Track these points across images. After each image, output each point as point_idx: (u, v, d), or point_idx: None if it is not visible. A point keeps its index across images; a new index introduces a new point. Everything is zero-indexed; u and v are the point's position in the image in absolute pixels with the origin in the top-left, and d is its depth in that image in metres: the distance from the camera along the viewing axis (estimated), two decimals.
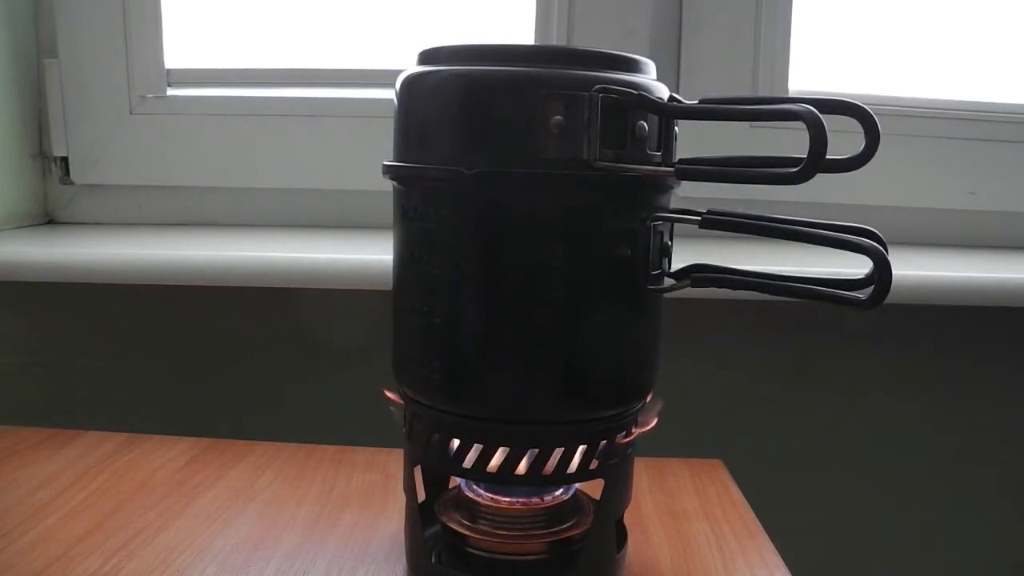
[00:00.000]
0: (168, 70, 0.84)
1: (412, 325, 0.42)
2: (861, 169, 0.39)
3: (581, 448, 0.42)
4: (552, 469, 0.41)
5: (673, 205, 0.42)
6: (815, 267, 0.66)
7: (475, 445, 0.41)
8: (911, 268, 0.70)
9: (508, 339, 0.40)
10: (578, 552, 0.44)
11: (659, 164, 0.40)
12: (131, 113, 0.83)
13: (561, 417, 0.41)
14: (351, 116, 0.82)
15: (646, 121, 0.39)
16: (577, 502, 0.47)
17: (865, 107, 0.37)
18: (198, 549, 0.48)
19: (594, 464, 0.42)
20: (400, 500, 0.46)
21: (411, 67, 0.41)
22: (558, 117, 0.37)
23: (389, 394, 0.45)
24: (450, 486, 0.49)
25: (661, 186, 0.41)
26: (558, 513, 0.46)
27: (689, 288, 0.41)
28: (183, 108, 0.84)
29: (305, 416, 0.80)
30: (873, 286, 0.36)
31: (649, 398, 0.45)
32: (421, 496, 0.47)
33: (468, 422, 0.41)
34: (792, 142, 0.36)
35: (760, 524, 0.55)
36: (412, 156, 0.41)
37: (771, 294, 0.39)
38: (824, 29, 0.85)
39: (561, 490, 0.46)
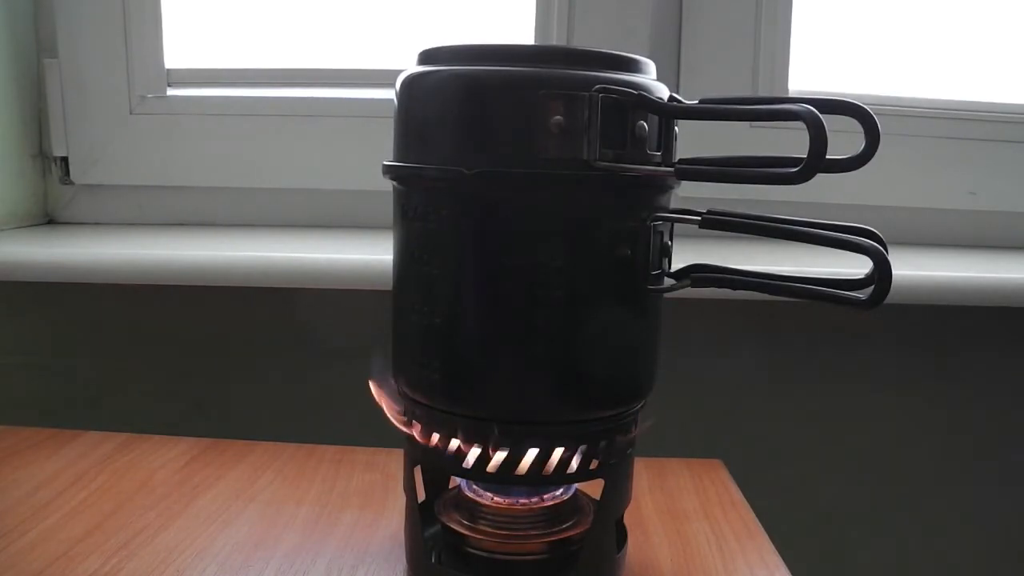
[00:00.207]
0: (168, 70, 0.84)
1: (412, 325, 0.42)
2: (861, 169, 0.39)
3: (581, 448, 0.42)
4: (552, 469, 0.41)
5: (673, 205, 0.42)
6: (815, 267, 0.66)
7: (475, 445, 0.41)
8: (911, 268, 0.70)
9: (508, 339, 0.40)
10: (578, 552, 0.44)
11: (659, 164, 0.40)
12: (131, 113, 0.83)
13: (561, 417, 0.41)
14: (351, 116, 0.82)
15: (646, 121, 0.39)
16: (577, 502, 0.47)
17: (865, 107, 0.37)
18: (198, 549, 0.48)
19: (594, 464, 0.42)
20: (400, 500, 0.46)
21: (411, 67, 0.41)
22: (558, 117, 0.37)
23: (375, 393, 0.45)
24: (450, 486, 0.49)
25: (661, 186, 0.41)
26: (558, 513, 0.46)
27: (689, 288, 0.41)
28: (183, 108, 0.84)
29: (305, 416, 0.80)
30: (873, 286, 0.36)
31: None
32: (421, 496, 0.47)
33: (468, 422, 0.41)
34: (792, 142, 0.36)
35: (760, 524, 0.55)
36: (412, 156, 0.41)
37: (771, 294, 0.39)
38: (824, 29, 0.85)
39: (561, 490, 0.46)
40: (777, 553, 0.51)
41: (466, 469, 0.42)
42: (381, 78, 0.82)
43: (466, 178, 0.38)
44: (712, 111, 0.43)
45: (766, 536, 0.53)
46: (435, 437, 0.42)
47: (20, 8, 0.82)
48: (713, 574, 0.48)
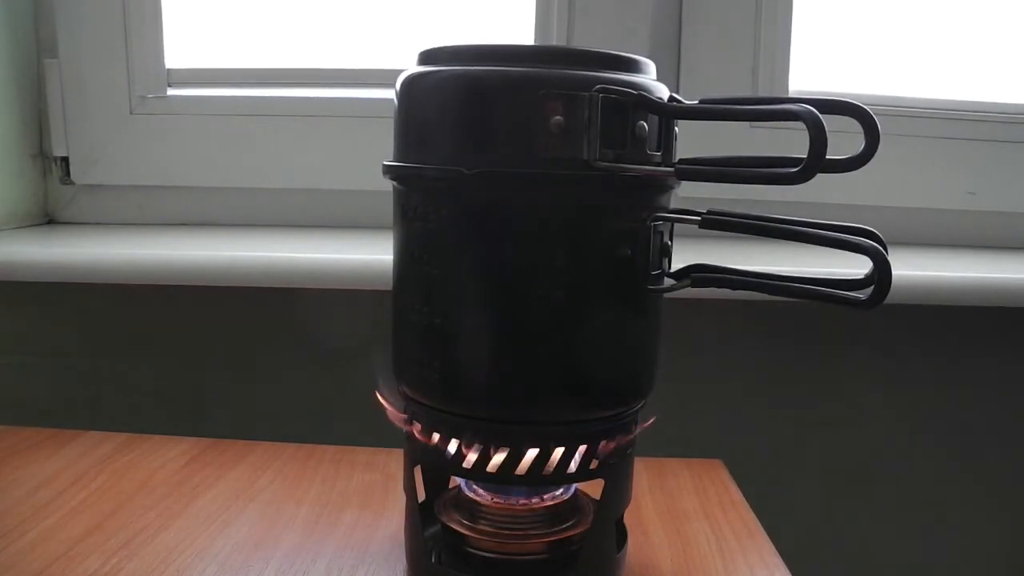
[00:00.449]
0: (168, 70, 0.84)
1: (412, 325, 0.42)
2: (861, 169, 0.39)
3: (581, 448, 0.42)
4: (552, 469, 0.41)
5: (673, 205, 0.42)
6: (815, 267, 0.66)
7: (475, 445, 0.41)
8: (911, 268, 0.70)
9: (508, 339, 0.40)
10: (578, 552, 0.44)
11: (659, 164, 0.40)
12: (131, 113, 0.83)
13: (561, 417, 0.41)
14: (351, 116, 0.82)
15: (646, 121, 0.39)
16: (577, 502, 0.47)
17: (865, 107, 0.37)
18: (198, 549, 0.48)
19: (594, 464, 0.42)
20: (400, 500, 0.46)
21: (411, 67, 0.41)
22: (558, 117, 0.37)
23: (383, 400, 0.45)
24: (450, 486, 0.49)
25: (661, 186, 0.41)
26: (558, 513, 0.46)
27: (689, 288, 0.41)
28: (183, 108, 0.84)
29: (305, 416, 0.80)
30: (873, 286, 0.36)
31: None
32: (421, 496, 0.47)
33: (468, 422, 0.41)
34: (792, 142, 0.36)
35: (760, 524, 0.55)
36: (412, 156, 0.41)
37: (771, 294, 0.39)
38: (824, 29, 0.85)
39: (561, 490, 0.46)
40: (777, 553, 0.51)
41: (466, 469, 0.42)
42: (381, 78, 0.82)
43: (466, 178, 0.38)
44: (712, 111, 0.43)
45: (766, 536, 0.53)
46: (435, 437, 0.42)
47: (20, 8, 0.82)
48: (713, 574, 0.48)
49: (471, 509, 0.46)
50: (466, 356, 0.41)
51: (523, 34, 0.84)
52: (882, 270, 0.35)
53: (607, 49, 0.39)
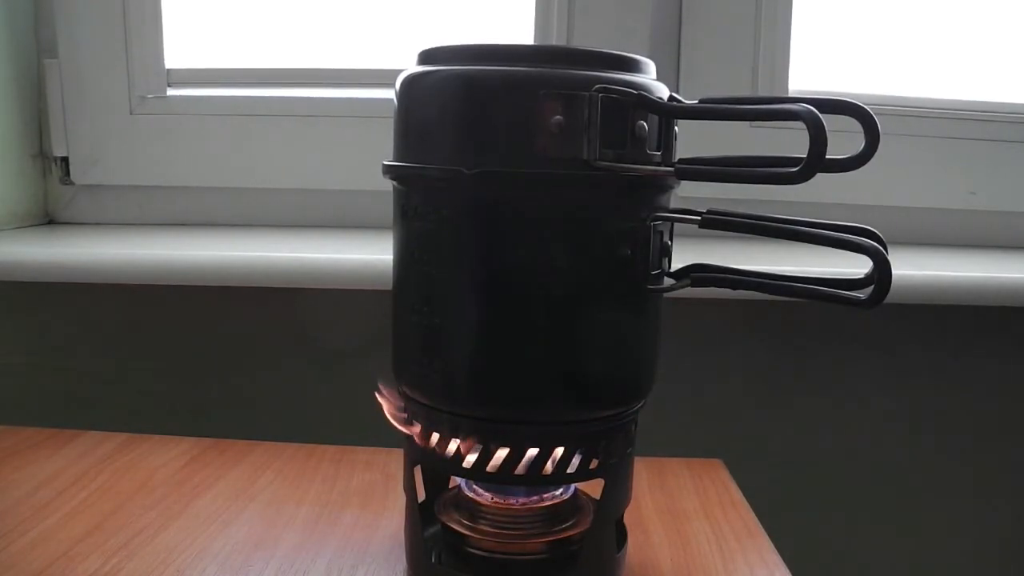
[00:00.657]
0: (168, 70, 0.84)
1: (412, 325, 0.42)
2: (861, 169, 0.39)
3: (581, 448, 0.42)
4: (552, 469, 0.41)
5: (673, 205, 0.42)
6: (815, 267, 0.66)
7: (475, 445, 0.41)
8: (911, 268, 0.70)
9: (508, 339, 0.40)
10: (578, 552, 0.44)
11: (659, 164, 0.40)
12: (131, 113, 0.83)
13: (561, 417, 0.41)
14: (351, 116, 0.82)
15: (646, 121, 0.39)
16: (577, 502, 0.47)
17: (865, 107, 0.37)
18: (198, 549, 0.48)
19: (594, 464, 0.42)
20: (400, 500, 0.46)
21: (411, 67, 0.41)
22: (558, 117, 0.37)
23: (382, 401, 0.45)
24: (450, 486, 0.49)
25: (661, 186, 0.41)
26: (558, 513, 0.46)
27: (689, 288, 0.41)
28: (183, 108, 0.84)
29: (305, 416, 0.80)
30: (873, 286, 0.36)
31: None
32: (421, 496, 0.47)
33: (468, 422, 0.41)
34: (792, 142, 0.36)
35: (760, 524, 0.55)
36: (412, 156, 0.41)
37: (771, 294, 0.39)
38: (824, 29, 0.85)
39: (561, 490, 0.46)
40: (777, 553, 0.51)
41: (466, 469, 0.42)
42: (381, 78, 0.82)
43: (466, 178, 0.38)
44: (712, 111, 0.43)
45: (766, 536, 0.53)
46: (435, 437, 0.42)
47: (20, 8, 0.82)
48: (713, 574, 0.48)
49: (471, 509, 0.46)
50: (466, 356, 0.41)
51: (523, 34, 0.84)
52: (882, 270, 0.35)
53: (607, 49, 0.39)
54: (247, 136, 0.83)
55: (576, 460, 0.42)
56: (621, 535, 0.47)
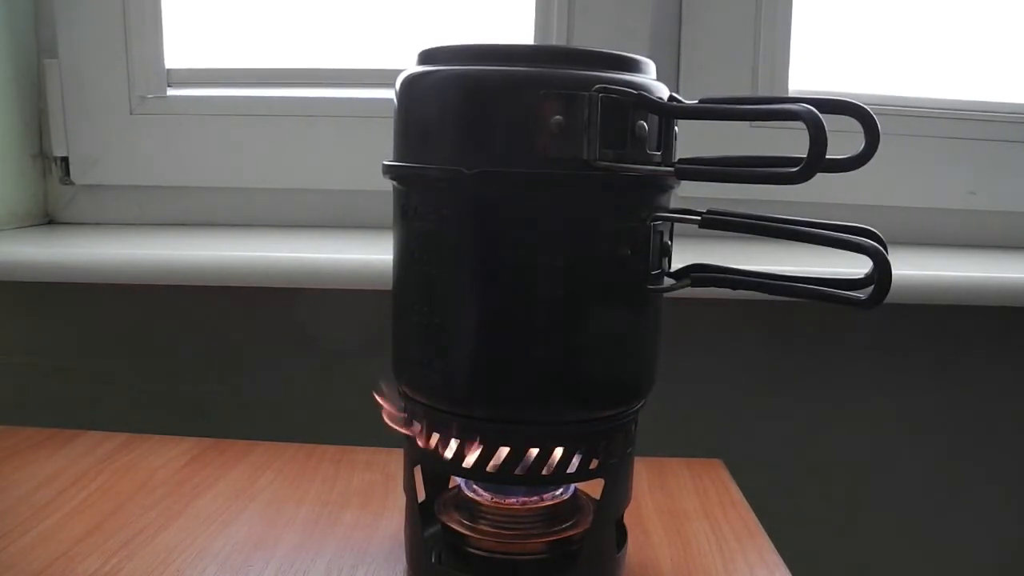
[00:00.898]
0: (168, 70, 0.84)
1: (412, 325, 0.42)
2: (861, 169, 0.39)
3: (581, 448, 0.42)
4: (552, 469, 0.41)
5: (673, 205, 0.42)
6: (815, 267, 0.66)
7: (475, 445, 0.41)
8: (911, 268, 0.70)
9: (508, 339, 0.40)
10: (578, 552, 0.44)
11: (659, 164, 0.40)
12: (131, 113, 0.83)
13: (561, 417, 0.41)
14: (351, 116, 0.82)
15: (646, 121, 0.39)
16: (577, 502, 0.47)
17: (865, 107, 0.37)
18: (198, 549, 0.48)
19: (594, 464, 0.42)
20: (400, 500, 0.46)
21: (411, 67, 0.41)
22: (558, 117, 0.37)
23: (382, 402, 0.45)
24: (450, 486, 0.49)
25: (661, 186, 0.41)
26: (558, 513, 0.46)
27: (689, 288, 0.41)
28: (183, 108, 0.84)
29: (305, 416, 0.80)
30: (873, 286, 0.36)
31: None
32: (421, 496, 0.47)
33: (468, 422, 0.41)
34: (792, 142, 0.36)
35: (760, 524, 0.55)
36: (412, 156, 0.41)
37: (771, 294, 0.39)
38: (824, 29, 0.85)
39: (561, 490, 0.46)
40: (777, 553, 0.51)
41: (466, 469, 0.42)
42: (381, 78, 0.82)
43: (466, 178, 0.38)
44: (712, 111, 0.43)
45: (766, 536, 0.53)
46: (435, 437, 0.42)
47: (20, 8, 0.82)
48: (713, 574, 0.48)
49: (471, 509, 0.46)
50: (466, 356, 0.41)
51: (523, 34, 0.84)
52: (882, 270, 0.35)
53: (607, 49, 0.39)
54: (247, 136, 0.83)
55: (576, 460, 0.42)
56: (621, 535, 0.47)
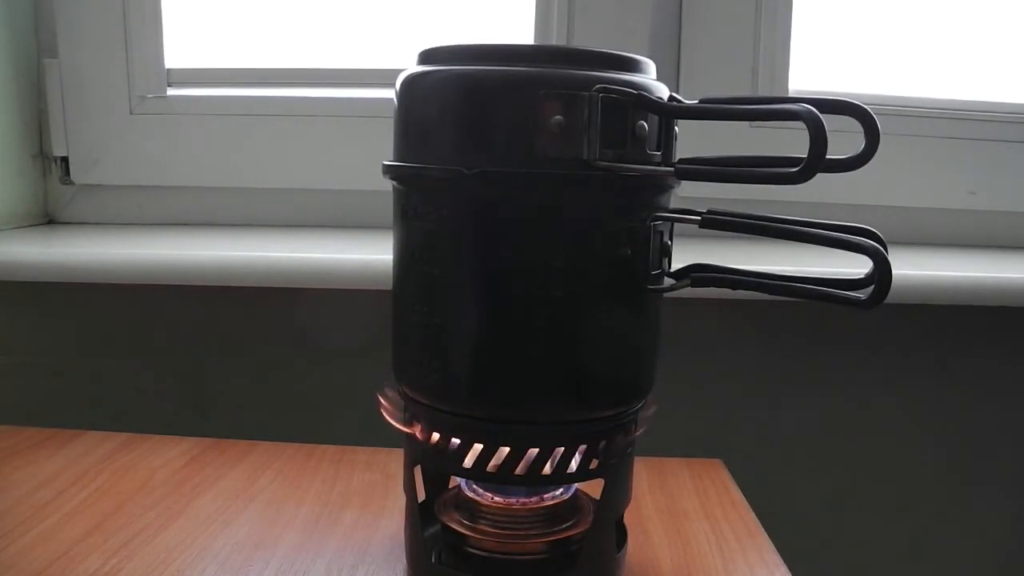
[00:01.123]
0: (168, 70, 0.84)
1: (412, 325, 0.42)
2: (861, 169, 0.39)
3: (581, 448, 0.42)
4: (552, 469, 0.41)
5: (673, 205, 0.42)
6: (815, 267, 0.66)
7: (475, 445, 0.41)
8: (911, 268, 0.70)
9: (508, 339, 0.40)
10: (578, 552, 0.44)
11: (659, 164, 0.40)
12: (131, 113, 0.83)
13: (561, 417, 0.41)
14: (351, 116, 0.82)
15: (646, 121, 0.39)
16: (577, 502, 0.47)
17: (865, 107, 0.37)
18: (198, 549, 0.48)
19: (594, 464, 0.42)
20: (400, 500, 0.46)
21: (411, 67, 0.41)
22: (558, 117, 0.37)
23: (383, 403, 0.45)
24: (450, 486, 0.49)
25: (661, 186, 0.41)
26: (558, 513, 0.46)
27: (689, 288, 0.41)
28: (183, 108, 0.84)
29: (305, 416, 0.80)
30: (873, 286, 0.36)
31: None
32: (421, 496, 0.47)
33: (468, 422, 0.41)
34: (792, 142, 0.36)
35: (760, 524, 0.55)
36: (412, 156, 0.41)
37: (771, 294, 0.39)
38: (824, 29, 0.85)
39: (561, 490, 0.46)
40: (777, 553, 0.51)
41: (466, 469, 0.42)
42: (381, 78, 0.82)
43: (466, 178, 0.38)
44: (712, 111, 0.43)
45: (766, 536, 0.53)
46: (435, 437, 0.42)
47: (20, 8, 0.82)
48: (713, 574, 0.48)
49: (471, 509, 0.45)
50: (466, 356, 0.41)
51: (523, 34, 0.84)
52: (882, 270, 0.35)
53: (607, 49, 0.39)
54: (247, 136, 0.83)
55: (576, 460, 0.42)
56: (621, 535, 0.47)
